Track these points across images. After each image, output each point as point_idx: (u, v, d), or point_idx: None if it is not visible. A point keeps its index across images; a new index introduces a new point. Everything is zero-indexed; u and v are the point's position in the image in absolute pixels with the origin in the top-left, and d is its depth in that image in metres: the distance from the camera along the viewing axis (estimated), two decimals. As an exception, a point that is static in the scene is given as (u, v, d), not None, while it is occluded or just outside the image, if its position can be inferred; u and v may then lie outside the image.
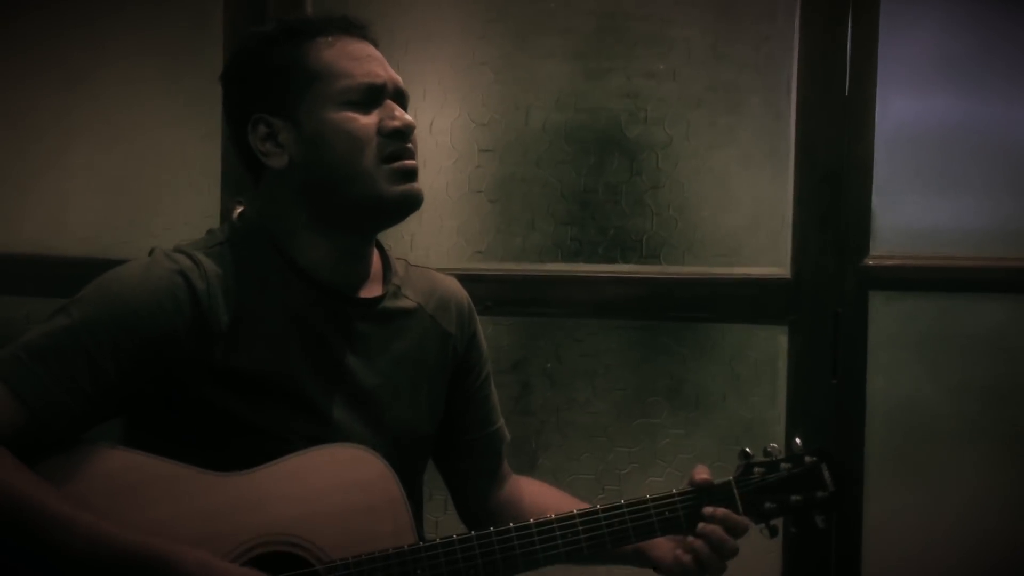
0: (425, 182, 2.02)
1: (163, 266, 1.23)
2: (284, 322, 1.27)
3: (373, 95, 1.28)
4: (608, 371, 2.03)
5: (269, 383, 1.24)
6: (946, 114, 1.93)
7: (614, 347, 2.03)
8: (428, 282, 1.43)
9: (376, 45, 1.34)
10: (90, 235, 2.21)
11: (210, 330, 1.22)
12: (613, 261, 2.02)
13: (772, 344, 1.97)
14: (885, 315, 1.92)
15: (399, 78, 1.33)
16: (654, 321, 2.01)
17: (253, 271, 1.27)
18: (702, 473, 1.35)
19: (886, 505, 1.94)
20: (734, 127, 1.98)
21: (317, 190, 1.28)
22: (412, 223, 2.05)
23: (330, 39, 1.29)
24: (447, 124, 2.07)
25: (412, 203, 1.30)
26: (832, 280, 1.92)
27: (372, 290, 1.35)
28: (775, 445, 1.37)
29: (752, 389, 1.98)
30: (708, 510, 1.31)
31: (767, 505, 1.34)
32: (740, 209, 1.98)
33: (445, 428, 1.43)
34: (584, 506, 1.33)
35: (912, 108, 1.93)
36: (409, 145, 1.29)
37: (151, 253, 1.28)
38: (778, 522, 1.36)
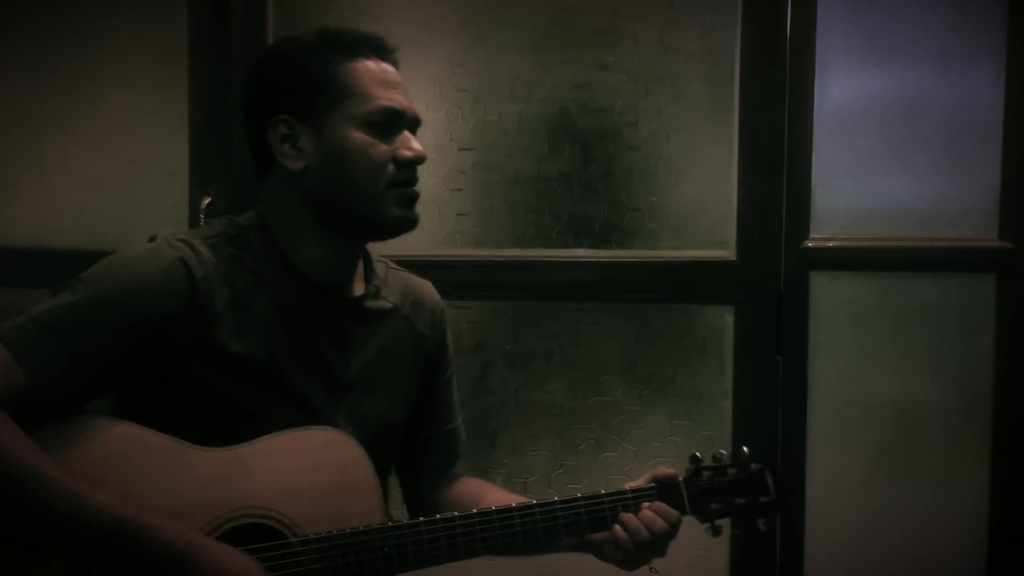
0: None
1: (165, 252, 1.30)
2: (273, 313, 1.35)
3: (394, 121, 1.36)
4: (564, 351, 2.12)
5: (256, 368, 1.32)
6: (882, 99, 2.01)
7: (569, 328, 2.11)
8: (405, 284, 1.52)
9: (397, 68, 1.42)
10: (69, 228, 2.27)
11: (205, 315, 1.29)
12: (567, 246, 2.10)
13: (719, 323, 2.06)
14: (825, 294, 2.02)
15: (416, 108, 1.40)
16: (607, 303, 2.09)
17: (248, 263, 1.35)
18: (664, 471, 1.42)
19: (828, 475, 2.04)
20: (681, 116, 2.05)
21: (325, 198, 1.36)
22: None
23: (362, 59, 1.36)
24: (406, 115, 2.13)
25: (409, 227, 1.38)
26: (774, 262, 2.01)
27: (355, 289, 1.44)
28: (723, 452, 1.44)
29: (701, 367, 2.07)
30: (647, 504, 1.38)
31: (713, 506, 1.41)
32: (688, 195, 2.06)
33: (407, 423, 1.51)
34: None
35: (849, 94, 2.02)
36: (417, 175, 1.38)
37: (152, 240, 1.35)
38: (722, 523, 1.43)
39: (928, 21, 2.01)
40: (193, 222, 2.17)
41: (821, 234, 2.02)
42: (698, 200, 2.06)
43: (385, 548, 1.29)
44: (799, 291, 2.01)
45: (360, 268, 1.46)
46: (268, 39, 2.15)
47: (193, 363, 1.29)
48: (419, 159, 1.37)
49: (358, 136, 1.34)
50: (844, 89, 2.01)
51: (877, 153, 2.02)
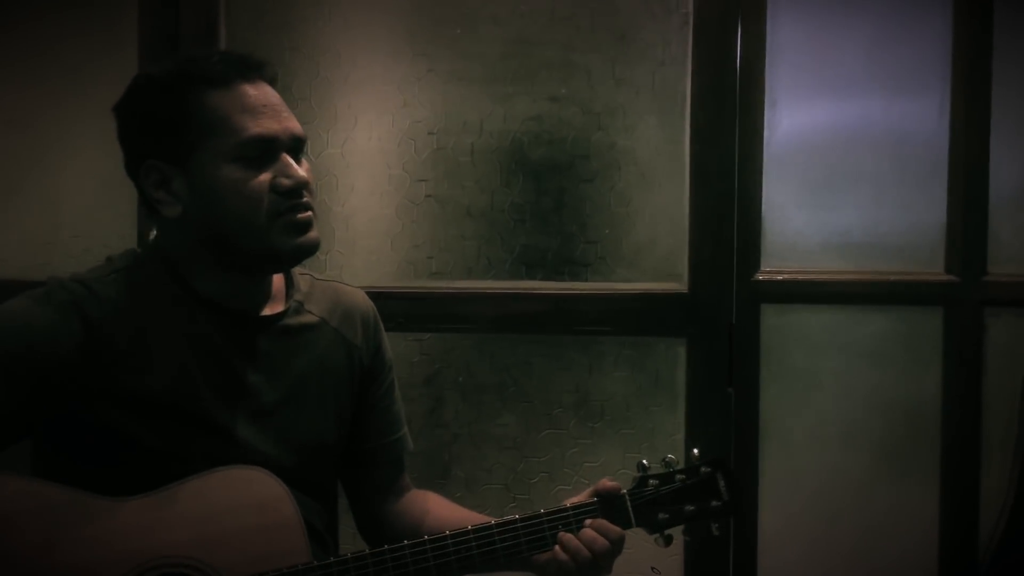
0: (338, 202, 2.12)
1: (55, 298, 1.26)
2: (184, 345, 1.30)
3: (267, 149, 1.29)
4: (517, 384, 2.10)
5: (170, 405, 1.27)
6: (830, 134, 2.04)
7: (522, 361, 2.10)
8: (333, 295, 1.46)
9: (275, 83, 1.34)
10: (7, 256, 2.22)
11: (107, 356, 1.25)
12: (520, 278, 2.09)
13: (671, 356, 2.06)
14: (776, 327, 2.03)
15: (295, 125, 1.33)
16: (560, 335, 2.08)
17: (151, 297, 1.30)
18: (606, 484, 1.37)
19: (781, 507, 2.04)
20: (633, 149, 2.06)
21: (212, 240, 1.30)
22: (326, 243, 2.11)
23: (225, 87, 1.28)
24: (358, 146, 2.12)
25: (306, 253, 1.33)
26: (726, 295, 2.02)
27: (274, 307, 1.39)
28: (672, 456, 1.40)
29: (653, 399, 2.07)
30: (588, 521, 1.33)
31: (660, 516, 1.37)
32: (640, 227, 2.07)
33: (348, 437, 1.46)
34: (482, 520, 1.36)
35: (799, 128, 2.04)
36: (304, 200, 1.31)
37: (47, 282, 1.30)
38: (674, 531, 1.39)
39: (875, 57, 2.04)
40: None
41: (772, 267, 2.03)
42: (650, 233, 2.07)
43: None
44: (750, 323, 2.02)
45: (280, 284, 1.41)
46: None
47: (103, 408, 1.24)
48: (299, 186, 1.29)
49: (229, 172, 1.27)
50: (793, 124, 2.04)
51: (826, 187, 2.04)
